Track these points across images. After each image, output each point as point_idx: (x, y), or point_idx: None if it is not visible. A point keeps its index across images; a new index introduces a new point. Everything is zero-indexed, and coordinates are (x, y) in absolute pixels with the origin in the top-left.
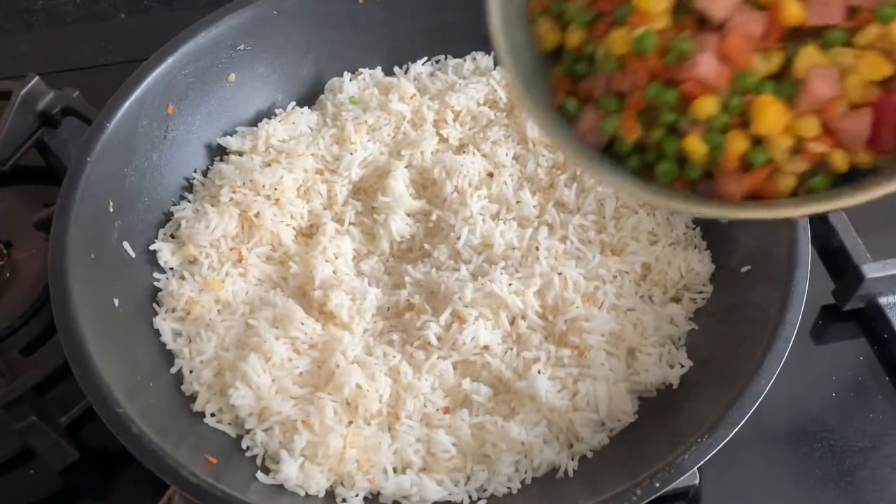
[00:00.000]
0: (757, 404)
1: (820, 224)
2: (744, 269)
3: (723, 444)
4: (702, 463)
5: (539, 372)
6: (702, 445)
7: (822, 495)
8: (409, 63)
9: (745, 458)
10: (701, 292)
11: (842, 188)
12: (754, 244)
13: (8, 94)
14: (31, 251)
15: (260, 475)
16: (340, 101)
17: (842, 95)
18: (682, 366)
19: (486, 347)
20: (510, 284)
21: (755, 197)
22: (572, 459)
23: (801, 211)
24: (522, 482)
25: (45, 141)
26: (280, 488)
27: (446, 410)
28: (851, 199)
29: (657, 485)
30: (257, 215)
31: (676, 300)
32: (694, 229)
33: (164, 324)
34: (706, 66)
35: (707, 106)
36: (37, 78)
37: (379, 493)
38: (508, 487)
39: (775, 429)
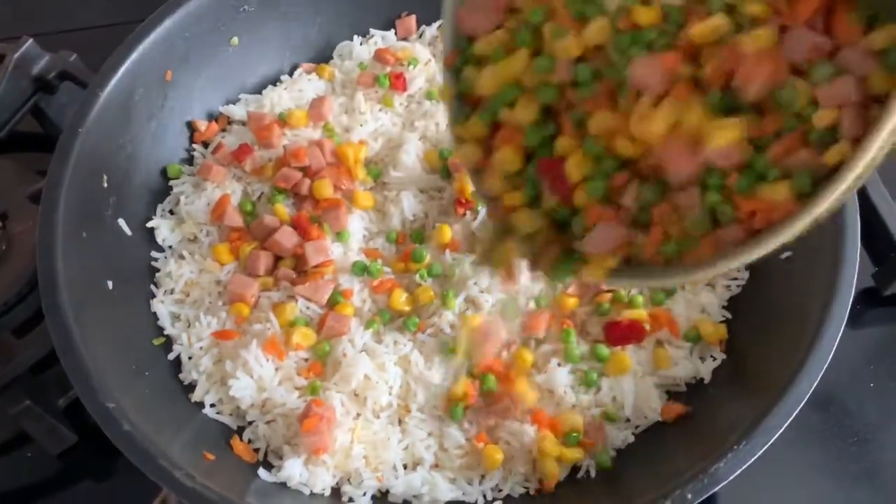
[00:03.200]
0: (798, 409)
1: (860, 200)
2: (784, 256)
3: (761, 451)
4: (738, 472)
5: (559, 365)
6: (738, 453)
7: (857, 493)
8: (425, 26)
9: (774, 452)
10: (735, 279)
11: None
12: None
13: (1, 57)
14: (27, 224)
15: (262, 472)
16: (349, 67)
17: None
18: (715, 359)
19: None
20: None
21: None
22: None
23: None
24: (540, 482)
25: (41, 107)
26: (283, 486)
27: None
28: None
29: (689, 496)
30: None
31: (710, 286)
32: None
33: (162, 307)
34: None
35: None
36: (31, 40)
37: (388, 492)
38: (525, 488)
39: (807, 421)
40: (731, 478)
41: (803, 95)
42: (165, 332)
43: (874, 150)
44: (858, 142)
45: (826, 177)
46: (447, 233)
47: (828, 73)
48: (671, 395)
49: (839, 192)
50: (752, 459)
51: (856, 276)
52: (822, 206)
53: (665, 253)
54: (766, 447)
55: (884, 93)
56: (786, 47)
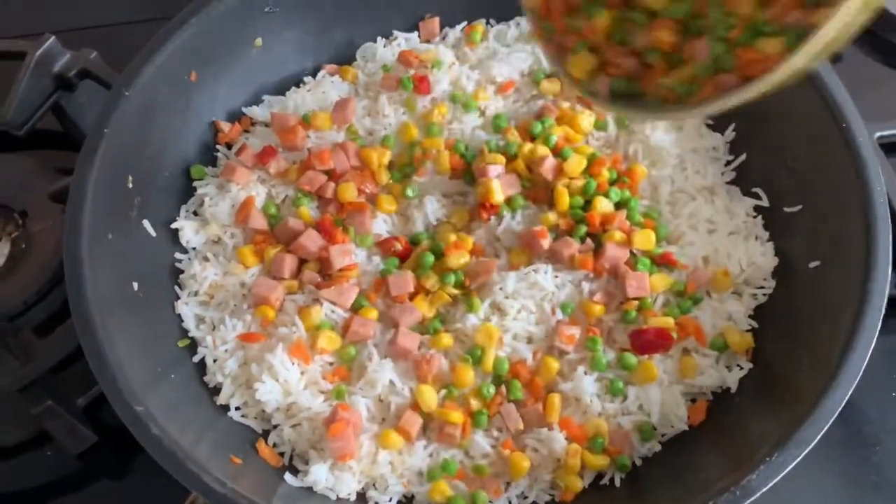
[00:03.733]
0: (831, 421)
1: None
2: (812, 265)
3: (794, 464)
4: (770, 485)
5: (585, 373)
6: (771, 465)
7: (878, 502)
8: (448, 28)
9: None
10: (762, 288)
11: None
12: (824, 237)
13: (22, 54)
14: (47, 223)
15: (288, 476)
16: (372, 69)
17: None
18: (742, 368)
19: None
20: (556, 276)
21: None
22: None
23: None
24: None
25: (62, 105)
26: (309, 491)
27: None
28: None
29: None
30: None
31: (737, 295)
32: (755, 217)
33: (187, 308)
34: None
35: None
36: (52, 38)
37: (413, 497)
38: (551, 495)
39: (829, 429)
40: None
41: None
42: (190, 335)
43: (844, 17)
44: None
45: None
46: (468, 242)
47: None
48: (696, 402)
49: (816, 49)
50: (785, 472)
51: (889, 279)
52: (801, 60)
53: (676, 91)
54: (798, 459)
55: None
56: None
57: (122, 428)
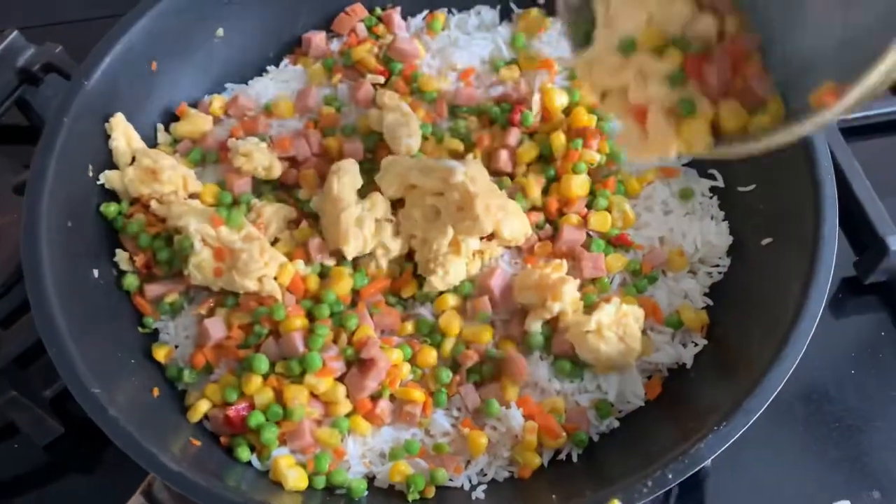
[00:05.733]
0: (778, 390)
1: (841, 191)
2: (764, 242)
3: (741, 432)
4: (718, 453)
5: (541, 359)
6: (718, 434)
7: (838, 477)
8: (409, 17)
9: (758, 437)
10: (717, 266)
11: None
12: (775, 214)
13: None
14: (11, 216)
15: (254, 460)
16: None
17: None
18: (696, 345)
19: None
20: (515, 263)
21: None
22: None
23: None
24: None
25: (27, 99)
26: (266, 473)
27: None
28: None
29: (670, 476)
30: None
31: (692, 273)
32: (711, 198)
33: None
34: None
35: None
36: (16, 32)
37: (374, 478)
38: (510, 472)
39: (790, 407)
40: (712, 458)
41: None
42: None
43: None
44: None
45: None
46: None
47: None
48: (651, 378)
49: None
50: (732, 440)
51: (834, 259)
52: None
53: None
54: (745, 428)
55: None
56: None
57: (89, 420)
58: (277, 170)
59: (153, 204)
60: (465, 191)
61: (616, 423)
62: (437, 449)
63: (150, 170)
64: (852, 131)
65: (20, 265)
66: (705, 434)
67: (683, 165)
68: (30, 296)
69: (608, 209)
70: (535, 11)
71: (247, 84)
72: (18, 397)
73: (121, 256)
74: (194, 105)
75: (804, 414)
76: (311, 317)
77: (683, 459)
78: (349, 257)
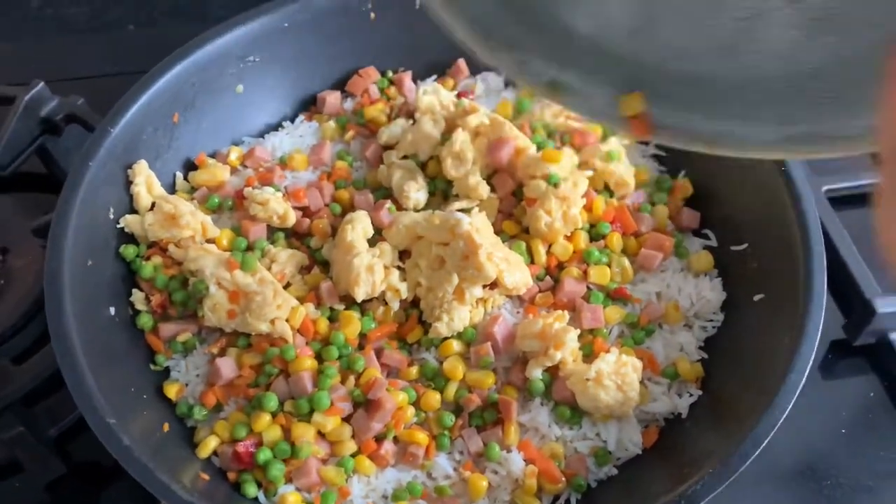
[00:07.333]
0: (769, 438)
1: (830, 256)
2: (756, 298)
3: (733, 477)
4: (711, 497)
5: (542, 404)
6: (712, 477)
7: None
8: (419, 81)
9: (751, 495)
10: (711, 321)
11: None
12: (768, 273)
13: (12, 99)
14: (27, 258)
15: (261, 496)
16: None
17: None
18: (692, 395)
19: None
20: (517, 312)
21: None
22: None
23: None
24: None
25: (48, 148)
26: None
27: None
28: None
29: None
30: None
31: (688, 327)
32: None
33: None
34: None
35: None
36: (42, 84)
37: None
38: None
39: (782, 465)
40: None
41: None
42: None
43: None
44: None
45: None
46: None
47: None
48: (648, 427)
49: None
50: (726, 483)
51: (823, 314)
52: None
53: None
54: (739, 472)
55: None
56: None
57: (91, 462)
58: (292, 218)
59: (171, 247)
60: (470, 240)
61: (615, 471)
62: (439, 491)
63: (171, 215)
64: (840, 200)
65: (35, 304)
66: (699, 479)
67: (677, 230)
68: (50, 327)
69: (608, 264)
70: None
71: (263, 138)
72: (26, 433)
73: (137, 296)
74: (213, 155)
75: (797, 471)
76: (319, 358)
77: (680, 500)
78: (359, 299)
